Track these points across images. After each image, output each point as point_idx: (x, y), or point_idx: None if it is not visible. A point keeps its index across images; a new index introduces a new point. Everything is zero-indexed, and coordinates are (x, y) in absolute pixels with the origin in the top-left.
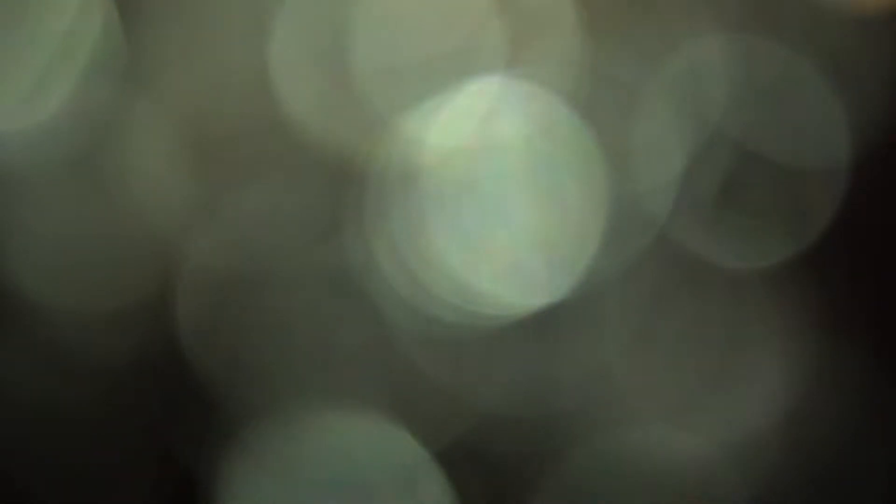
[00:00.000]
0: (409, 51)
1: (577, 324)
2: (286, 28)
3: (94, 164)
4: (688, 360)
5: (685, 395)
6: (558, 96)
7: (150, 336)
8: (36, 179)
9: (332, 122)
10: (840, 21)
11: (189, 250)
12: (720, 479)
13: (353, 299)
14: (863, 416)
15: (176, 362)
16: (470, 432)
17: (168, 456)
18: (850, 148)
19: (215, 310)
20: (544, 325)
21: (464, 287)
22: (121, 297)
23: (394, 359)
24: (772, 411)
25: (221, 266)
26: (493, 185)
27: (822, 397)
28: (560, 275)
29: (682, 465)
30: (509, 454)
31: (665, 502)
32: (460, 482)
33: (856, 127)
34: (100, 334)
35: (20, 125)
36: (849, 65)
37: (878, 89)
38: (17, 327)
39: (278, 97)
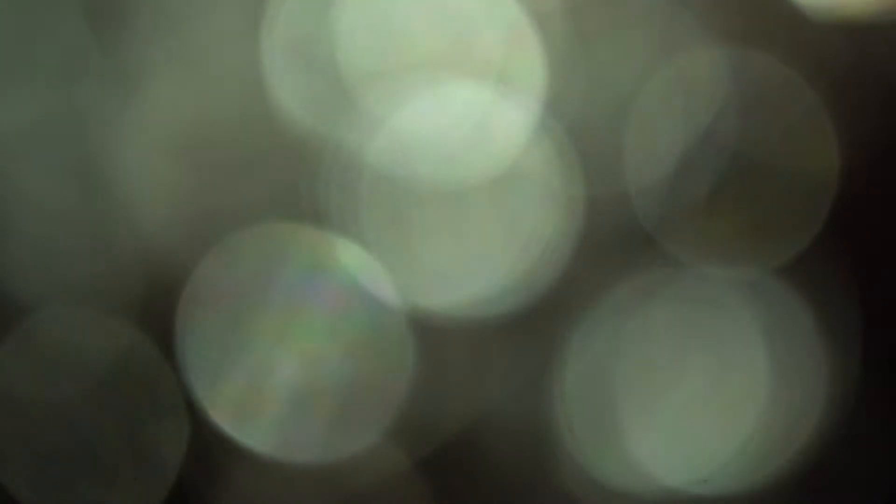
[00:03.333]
0: (399, 54)
1: (565, 328)
2: (278, 30)
3: (85, 165)
4: (679, 364)
5: (678, 399)
6: (547, 102)
7: (140, 338)
8: (27, 181)
9: (322, 125)
10: (828, 28)
11: (180, 252)
12: (715, 482)
13: (338, 302)
14: (859, 419)
15: (166, 364)
16: (456, 438)
17: (156, 458)
18: (840, 154)
19: (205, 311)
20: (531, 329)
21: (448, 289)
22: (110, 299)
23: (379, 362)
24: (765, 415)
25: (211, 267)
26: (479, 188)
27: (817, 401)
28: (546, 279)
29: (675, 470)
30: (497, 460)
31: None
32: (447, 489)
33: (845, 132)
34: (89, 336)
35: (11, 127)
36: (837, 70)
37: (868, 95)
38: (9, 329)
39: (269, 99)
